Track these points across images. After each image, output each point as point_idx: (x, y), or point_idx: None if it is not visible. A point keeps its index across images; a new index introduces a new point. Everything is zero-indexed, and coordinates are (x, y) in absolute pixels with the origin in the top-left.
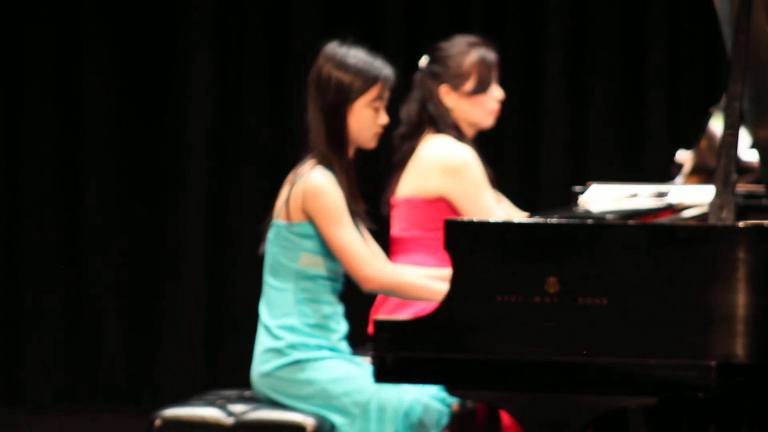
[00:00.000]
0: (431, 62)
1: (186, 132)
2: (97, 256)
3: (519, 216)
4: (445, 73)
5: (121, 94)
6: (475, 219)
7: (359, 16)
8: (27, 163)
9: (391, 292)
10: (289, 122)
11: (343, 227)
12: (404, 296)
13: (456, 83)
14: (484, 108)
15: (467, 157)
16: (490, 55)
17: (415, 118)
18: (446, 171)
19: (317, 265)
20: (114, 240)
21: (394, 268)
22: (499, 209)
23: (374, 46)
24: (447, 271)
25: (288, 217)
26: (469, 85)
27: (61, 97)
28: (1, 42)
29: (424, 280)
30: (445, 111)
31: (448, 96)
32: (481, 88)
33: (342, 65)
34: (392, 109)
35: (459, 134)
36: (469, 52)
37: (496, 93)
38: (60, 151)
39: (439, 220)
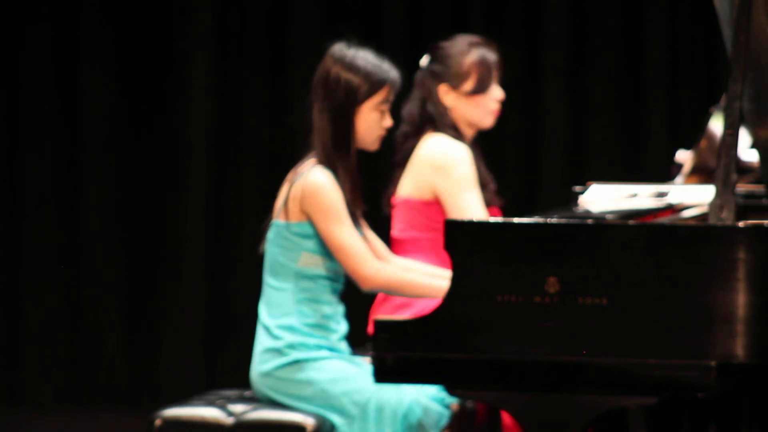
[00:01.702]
0: (432, 61)
1: (186, 132)
2: (97, 256)
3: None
4: (444, 72)
5: (121, 94)
6: (475, 219)
7: (359, 16)
8: (27, 163)
9: (390, 291)
10: (289, 122)
11: (341, 226)
12: (403, 294)
13: (455, 83)
14: (483, 108)
15: (457, 154)
16: (491, 56)
17: (416, 118)
18: (435, 168)
19: (317, 265)
20: (114, 240)
21: (392, 267)
22: (484, 210)
23: (374, 46)
24: (448, 272)
25: (287, 216)
26: (469, 84)
27: (61, 97)
28: (1, 42)
29: (423, 277)
30: (443, 110)
31: (447, 95)
32: (480, 88)
33: (352, 67)
34: (394, 109)
35: (457, 134)
36: (469, 51)
37: (496, 93)
38: (60, 152)
39: (436, 221)
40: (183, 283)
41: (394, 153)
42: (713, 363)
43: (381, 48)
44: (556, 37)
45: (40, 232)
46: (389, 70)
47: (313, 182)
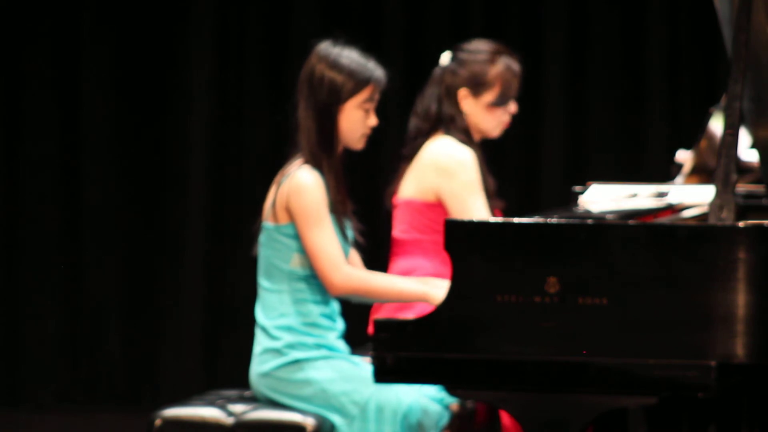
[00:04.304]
0: (454, 62)
1: (186, 132)
2: (97, 256)
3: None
4: (467, 77)
5: (121, 94)
6: (474, 219)
7: (359, 16)
8: (27, 163)
9: (358, 297)
10: (289, 122)
11: (319, 229)
12: (372, 300)
13: (477, 90)
14: (497, 120)
15: (463, 158)
16: (515, 67)
17: (433, 115)
18: (440, 170)
19: (309, 266)
20: (114, 240)
21: (361, 273)
22: (489, 215)
23: (374, 46)
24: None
25: (276, 219)
26: (490, 96)
27: (61, 97)
28: (2, 42)
29: (391, 280)
30: (458, 113)
31: (465, 100)
32: (501, 101)
33: (335, 65)
34: (392, 109)
35: (467, 138)
36: (495, 61)
37: (511, 107)
38: (60, 151)
39: (438, 223)
40: (183, 283)
41: (403, 146)
42: (713, 363)
43: (381, 48)
44: (556, 38)
45: (40, 232)
46: (374, 69)
47: (297, 183)
